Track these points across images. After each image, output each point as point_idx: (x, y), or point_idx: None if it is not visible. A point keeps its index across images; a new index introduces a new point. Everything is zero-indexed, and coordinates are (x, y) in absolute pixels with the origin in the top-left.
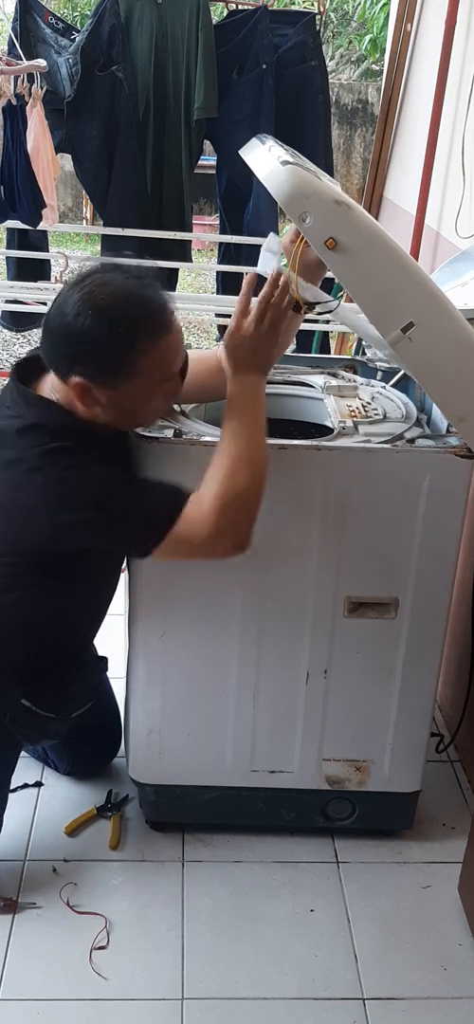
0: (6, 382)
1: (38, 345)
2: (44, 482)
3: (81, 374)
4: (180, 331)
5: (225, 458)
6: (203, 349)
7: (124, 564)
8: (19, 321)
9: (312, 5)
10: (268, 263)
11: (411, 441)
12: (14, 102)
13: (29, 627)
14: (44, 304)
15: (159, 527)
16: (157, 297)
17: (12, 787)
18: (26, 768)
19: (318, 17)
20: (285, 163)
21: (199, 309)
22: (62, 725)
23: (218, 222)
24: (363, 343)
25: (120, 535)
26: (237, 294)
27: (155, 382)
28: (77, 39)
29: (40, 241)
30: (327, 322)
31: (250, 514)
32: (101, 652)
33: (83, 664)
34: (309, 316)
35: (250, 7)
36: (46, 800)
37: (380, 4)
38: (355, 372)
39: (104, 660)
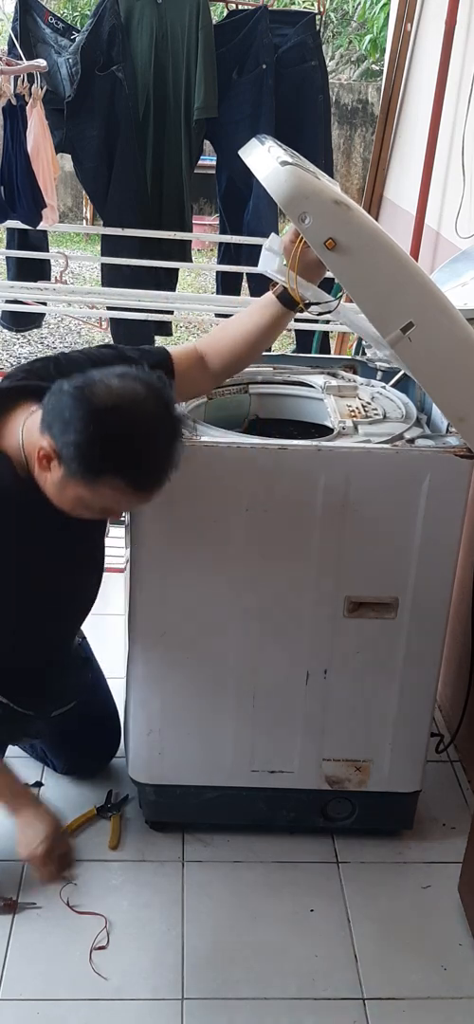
0: None
1: (22, 373)
2: None
3: (56, 442)
4: (154, 495)
5: None
6: (180, 345)
7: (124, 564)
8: (19, 321)
9: (312, 5)
10: (269, 263)
11: (411, 441)
12: (14, 102)
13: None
14: (44, 304)
15: None
16: (158, 457)
17: None
18: (26, 768)
19: (318, 17)
20: (284, 163)
21: (199, 309)
22: (43, 724)
23: (218, 222)
24: (363, 343)
25: None
26: (237, 294)
27: (102, 505)
28: (77, 39)
29: (40, 241)
30: (327, 322)
31: None
32: (101, 654)
33: (63, 663)
34: (309, 316)
35: (250, 7)
36: (46, 800)
37: (380, 4)
38: (355, 372)
39: (89, 661)
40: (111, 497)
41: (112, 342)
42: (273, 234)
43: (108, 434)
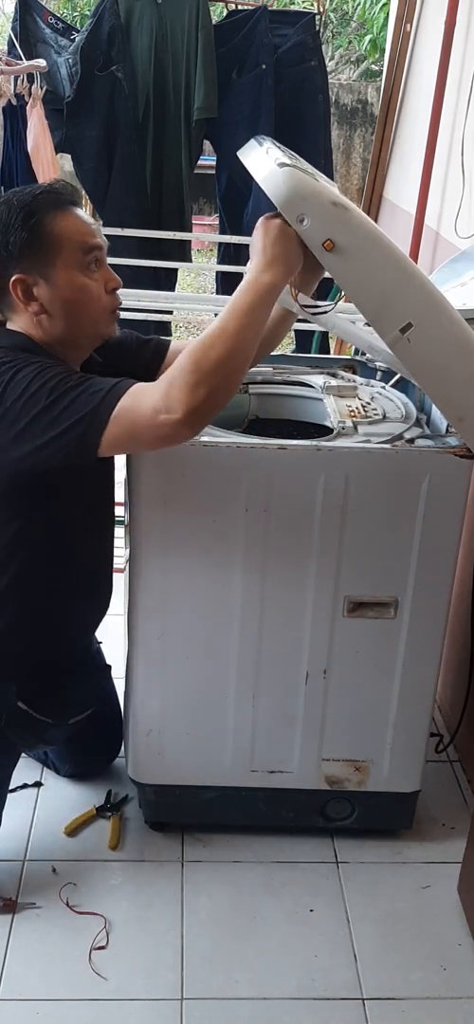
0: None
1: None
2: (2, 390)
3: (9, 268)
4: (82, 212)
5: (206, 332)
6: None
7: (124, 564)
8: None
9: (312, 5)
10: None
11: (410, 441)
12: (14, 102)
13: (22, 621)
14: None
15: (112, 397)
16: (55, 184)
17: (12, 787)
18: (26, 768)
19: (318, 17)
20: (282, 165)
21: (199, 309)
22: (59, 731)
23: (218, 222)
24: None
25: (72, 422)
26: None
27: (78, 253)
28: (77, 39)
29: None
30: None
31: (213, 391)
32: (105, 655)
33: (83, 670)
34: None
35: (250, 7)
36: (46, 800)
37: (380, 4)
38: (354, 372)
39: (107, 669)
40: (67, 232)
41: None
42: None
43: (32, 201)
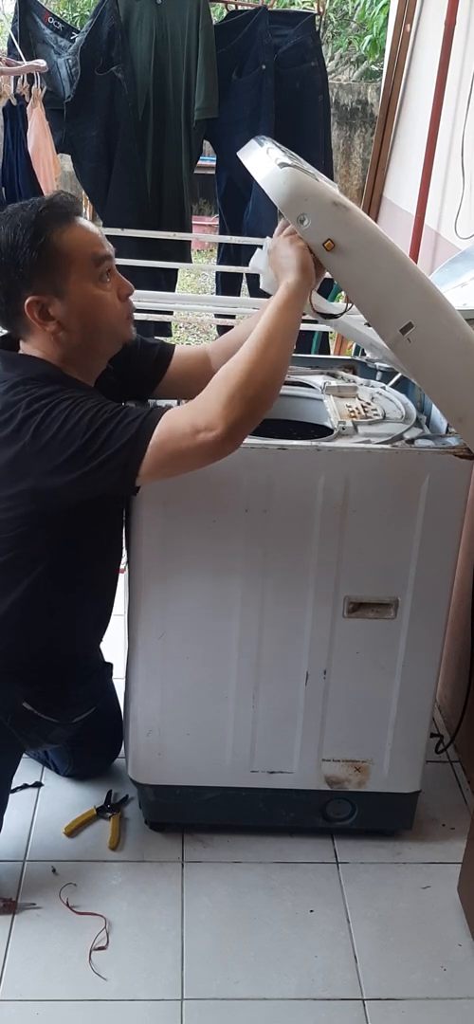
0: None
1: None
2: (37, 425)
3: (22, 290)
4: (87, 222)
5: (242, 351)
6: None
7: (124, 564)
8: None
9: (312, 5)
10: (260, 278)
11: (411, 441)
12: (14, 102)
13: (32, 629)
14: None
15: (149, 424)
16: (55, 198)
17: (12, 787)
18: (26, 768)
19: (318, 18)
20: (283, 165)
21: (199, 309)
22: (64, 730)
23: (218, 222)
24: None
25: (113, 452)
26: (237, 295)
27: (90, 266)
28: (76, 39)
29: None
30: None
31: (249, 405)
32: (105, 655)
33: (88, 671)
34: (308, 316)
35: (250, 7)
36: (46, 801)
37: (380, 5)
38: (354, 372)
39: (109, 667)
40: (76, 244)
41: None
42: (258, 251)
43: (4, 226)
